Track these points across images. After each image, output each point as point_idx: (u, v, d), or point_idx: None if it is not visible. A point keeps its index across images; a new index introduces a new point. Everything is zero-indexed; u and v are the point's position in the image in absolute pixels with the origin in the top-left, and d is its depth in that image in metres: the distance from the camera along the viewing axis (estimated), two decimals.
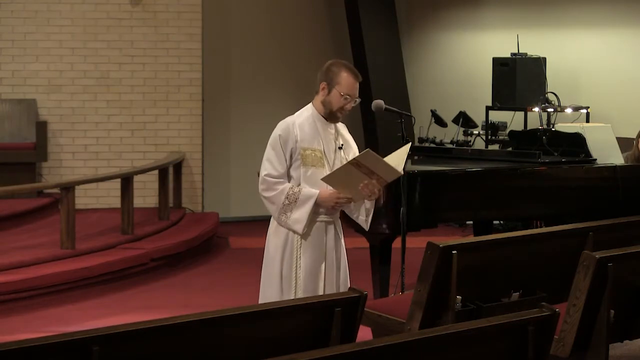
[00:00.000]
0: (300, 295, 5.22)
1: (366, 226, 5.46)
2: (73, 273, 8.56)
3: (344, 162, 5.31)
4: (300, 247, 5.28)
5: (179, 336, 3.75)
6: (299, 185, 5.27)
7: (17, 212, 10.23)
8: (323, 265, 5.32)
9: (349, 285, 5.26)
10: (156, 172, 10.56)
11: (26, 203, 10.51)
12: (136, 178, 10.10)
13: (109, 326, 3.62)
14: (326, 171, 5.28)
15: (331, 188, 5.26)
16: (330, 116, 5.33)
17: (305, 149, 5.27)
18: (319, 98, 5.33)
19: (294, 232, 5.27)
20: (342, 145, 5.39)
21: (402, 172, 5.29)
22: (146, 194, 11.31)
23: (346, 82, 5.27)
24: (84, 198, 11.00)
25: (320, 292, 5.27)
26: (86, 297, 8.50)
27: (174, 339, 3.74)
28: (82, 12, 11.41)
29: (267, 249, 5.39)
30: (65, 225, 8.90)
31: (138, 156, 11.50)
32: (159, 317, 3.88)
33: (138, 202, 10.48)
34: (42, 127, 11.03)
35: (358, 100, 5.35)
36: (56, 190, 9.49)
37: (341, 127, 5.46)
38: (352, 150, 5.44)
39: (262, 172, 5.30)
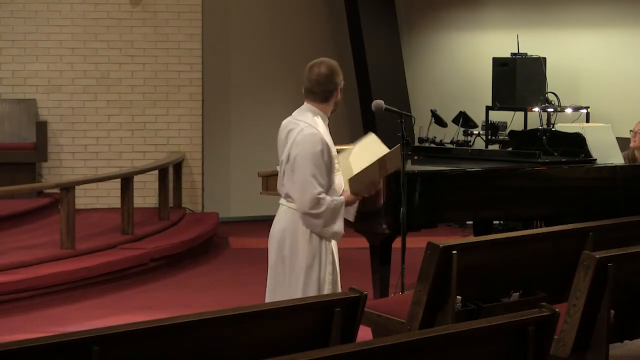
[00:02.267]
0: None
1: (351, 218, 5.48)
2: (73, 273, 8.56)
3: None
4: (332, 248, 5.33)
5: (179, 336, 3.75)
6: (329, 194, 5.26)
7: (17, 212, 10.23)
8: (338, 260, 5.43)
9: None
10: (156, 172, 10.56)
11: (26, 203, 10.50)
12: (136, 178, 10.10)
13: (109, 326, 3.62)
14: (340, 174, 5.31)
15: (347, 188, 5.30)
16: (334, 111, 5.36)
17: (334, 155, 5.27)
18: (331, 104, 5.29)
19: (334, 240, 5.31)
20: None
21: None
22: (146, 194, 11.31)
23: (341, 73, 5.34)
24: (84, 198, 11.00)
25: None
26: (86, 297, 8.50)
27: (174, 339, 3.74)
28: (82, 12, 11.41)
29: (299, 258, 5.25)
30: (65, 226, 8.90)
31: (138, 156, 11.50)
32: (159, 317, 3.88)
33: (138, 202, 10.48)
34: (42, 127, 11.02)
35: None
36: (56, 190, 9.49)
37: None
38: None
39: (313, 191, 5.12)
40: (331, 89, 5.25)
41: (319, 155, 5.13)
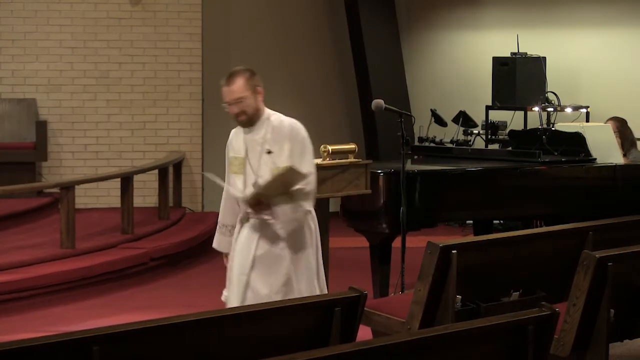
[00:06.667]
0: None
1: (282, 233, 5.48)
2: (73, 273, 8.55)
3: (271, 166, 5.42)
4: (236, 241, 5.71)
5: (179, 336, 3.75)
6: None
7: (17, 211, 10.23)
8: (249, 266, 5.70)
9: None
10: (156, 171, 10.56)
11: (26, 203, 10.50)
12: (136, 177, 10.10)
13: (109, 326, 3.62)
14: (247, 176, 5.45)
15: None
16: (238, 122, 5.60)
17: (231, 157, 5.58)
18: None
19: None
20: (269, 150, 5.47)
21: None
22: (146, 193, 11.31)
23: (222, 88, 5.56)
24: (84, 197, 11.00)
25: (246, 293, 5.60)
26: (86, 296, 8.49)
27: (174, 339, 3.75)
28: (81, 12, 11.41)
29: None
30: (65, 225, 8.89)
31: (138, 155, 11.50)
32: (158, 317, 3.88)
33: (138, 201, 10.47)
34: (42, 127, 11.02)
35: (224, 105, 5.52)
36: (56, 190, 9.49)
37: (272, 131, 5.53)
38: (284, 154, 5.46)
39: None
40: None
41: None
